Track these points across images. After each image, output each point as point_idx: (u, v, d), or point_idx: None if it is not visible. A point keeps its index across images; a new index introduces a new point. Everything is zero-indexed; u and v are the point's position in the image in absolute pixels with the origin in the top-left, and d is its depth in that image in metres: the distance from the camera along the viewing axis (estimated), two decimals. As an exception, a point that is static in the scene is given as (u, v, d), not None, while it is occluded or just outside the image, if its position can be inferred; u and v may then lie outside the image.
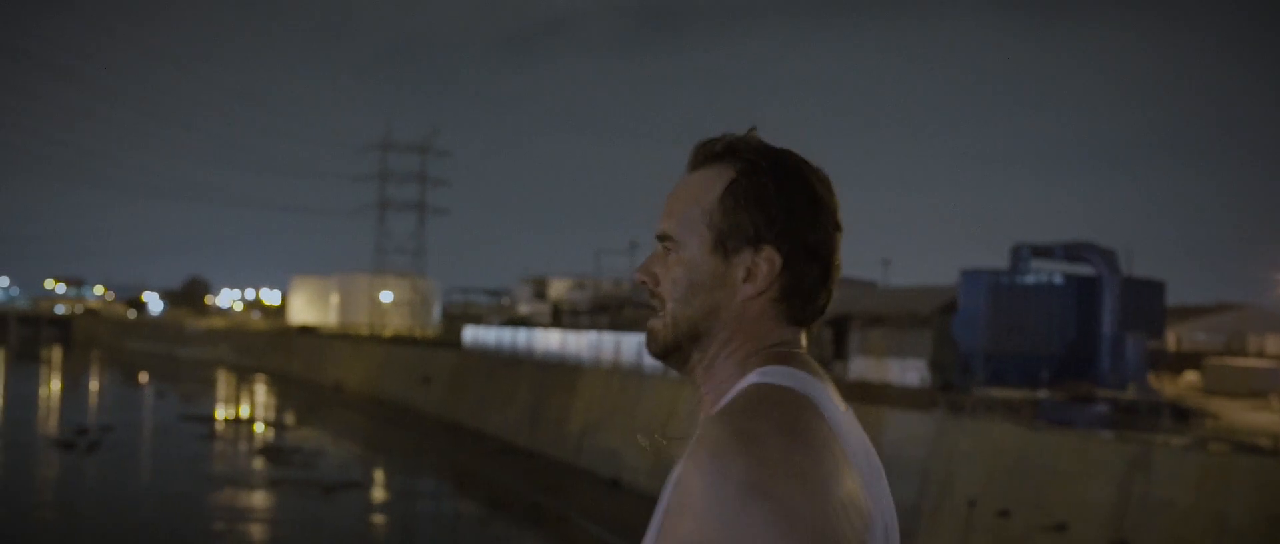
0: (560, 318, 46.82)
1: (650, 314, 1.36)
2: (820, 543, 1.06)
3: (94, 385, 61.31)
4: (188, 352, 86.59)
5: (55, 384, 59.66)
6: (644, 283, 1.35)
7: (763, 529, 1.05)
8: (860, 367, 20.58)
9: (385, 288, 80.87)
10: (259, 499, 25.39)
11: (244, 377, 66.56)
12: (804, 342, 1.33)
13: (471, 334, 46.32)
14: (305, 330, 75.83)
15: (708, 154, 1.35)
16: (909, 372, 19.46)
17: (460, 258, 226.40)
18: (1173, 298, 24.85)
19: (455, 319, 70.81)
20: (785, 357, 1.28)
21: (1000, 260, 22.14)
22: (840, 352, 21.11)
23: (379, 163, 75.40)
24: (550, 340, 37.07)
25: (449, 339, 58.61)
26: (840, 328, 20.97)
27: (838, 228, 1.33)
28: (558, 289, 55.43)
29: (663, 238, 1.34)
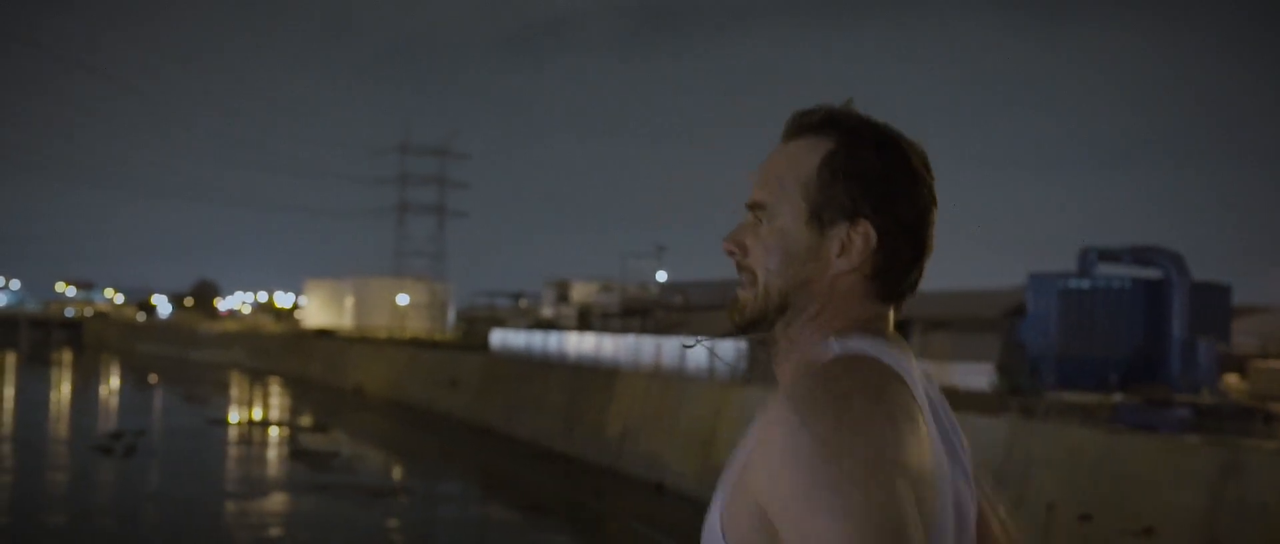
0: (588, 321, 46.68)
1: (737, 286, 1.34)
2: (887, 506, 1.05)
3: (114, 389, 61.19)
4: (201, 355, 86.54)
5: (76, 388, 59.51)
6: (731, 253, 1.33)
7: (836, 487, 1.05)
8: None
9: (401, 291, 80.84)
10: (310, 504, 25.23)
11: (261, 380, 66.43)
12: (891, 319, 1.32)
13: (500, 337, 46.19)
14: (323, 333, 75.72)
15: (805, 124, 1.32)
16: (975, 375, 19.37)
17: (473, 261, 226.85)
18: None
19: (473, 322, 70.76)
20: (874, 331, 1.28)
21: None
22: (901, 355, 20.95)
23: (398, 165, 75.47)
24: (584, 344, 36.92)
25: (467, 342, 58.58)
26: (900, 331, 20.78)
27: (934, 204, 1.31)
28: (581, 292, 55.33)
29: (754, 207, 1.32)
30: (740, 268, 1.32)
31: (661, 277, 67.72)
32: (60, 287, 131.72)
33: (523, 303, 66.50)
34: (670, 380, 29.84)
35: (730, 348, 28.80)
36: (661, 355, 31.28)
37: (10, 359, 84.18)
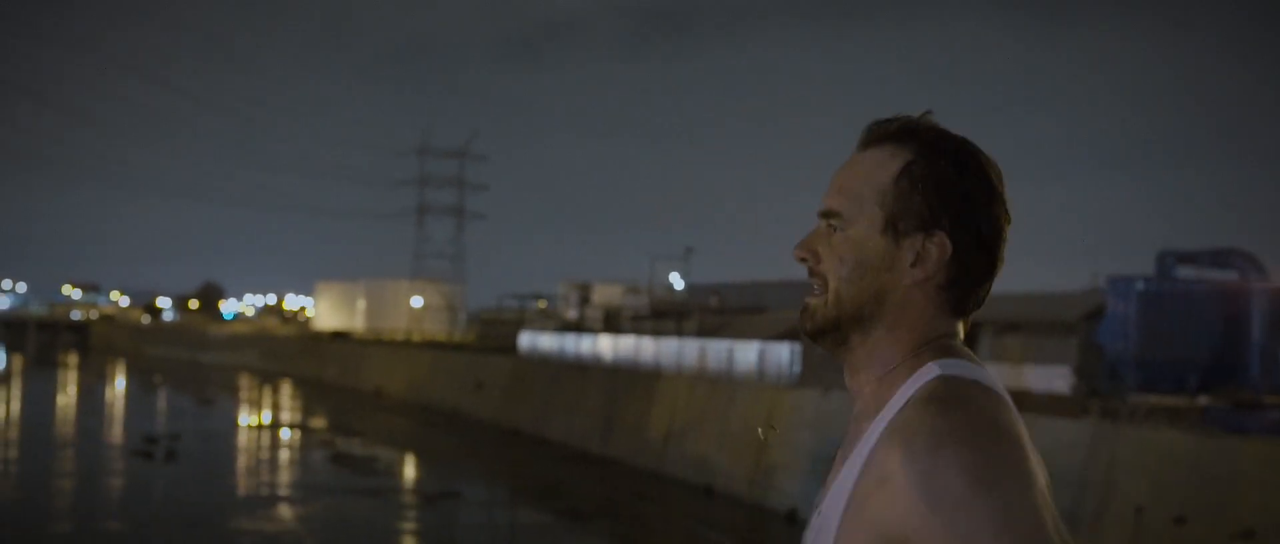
0: (616, 323, 46.56)
1: (808, 292, 1.34)
2: (1038, 536, 1.06)
3: (133, 392, 60.99)
4: (212, 357, 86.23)
5: (96, 392, 59.24)
6: (804, 260, 1.33)
7: (988, 521, 1.06)
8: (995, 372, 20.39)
9: (415, 293, 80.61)
10: (362, 508, 25.08)
11: (276, 383, 66.17)
12: (961, 333, 1.32)
13: (529, 339, 46.05)
14: (338, 336, 75.52)
15: (883, 134, 1.32)
16: (1053, 378, 19.31)
17: (484, 262, 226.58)
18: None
19: (487, 324, 70.57)
20: (955, 350, 1.27)
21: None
22: (971, 357, 20.88)
23: (417, 167, 75.27)
24: (622, 346, 36.77)
25: (483, 344, 58.45)
26: (971, 334, 20.73)
27: (1010, 220, 1.32)
28: (602, 294, 55.22)
29: (829, 215, 1.32)
30: (812, 274, 1.32)
31: (676, 278, 67.67)
32: (66, 289, 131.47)
33: (542, 304, 66.30)
34: (717, 383, 29.72)
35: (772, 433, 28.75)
36: (706, 358, 31.14)
37: (18, 362, 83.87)
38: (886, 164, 1.29)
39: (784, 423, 26.14)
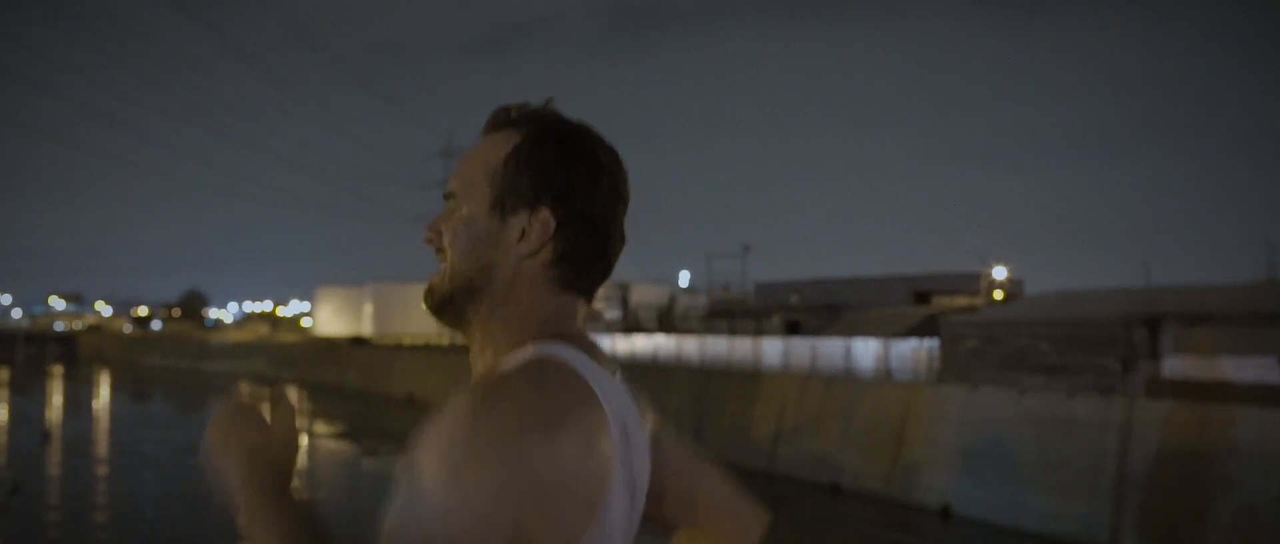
0: (672, 324, 46.25)
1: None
2: (477, 520, 1.09)
3: (153, 403, 59.85)
4: (214, 366, 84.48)
5: (115, 403, 58.03)
6: (430, 241, 1.37)
7: (446, 485, 1.10)
8: (1178, 365, 20.33)
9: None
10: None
11: (298, 392, 65.12)
12: (582, 312, 1.36)
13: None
14: (358, 341, 74.58)
15: (501, 120, 1.38)
16: (1260, 369, 19.23)
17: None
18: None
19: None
20: (566, 332, 1.31)
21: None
22: (1154, 350, 20.82)
23: (441, 170, 74.39)
24: (714, 347, 36.47)
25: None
26: (1153, 327, 20.69)
27: (621, 200, 1.36)
28: (639, 294, 54.92)
29: (448, 196, 1.38)
30: (437, 253, 1.36)
31: (685, 278, 67.59)
32: (54, 300, 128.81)
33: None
34: (834, 382, 29.52)
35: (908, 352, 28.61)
36: (817, 357, 30.96)
37: (6, 373, 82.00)
38: (500, 146, 1.35)
39: (923, 420, 26.01)
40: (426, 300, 1.37)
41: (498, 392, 1.18)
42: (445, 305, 1.35)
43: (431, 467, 1.11)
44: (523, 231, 1.33)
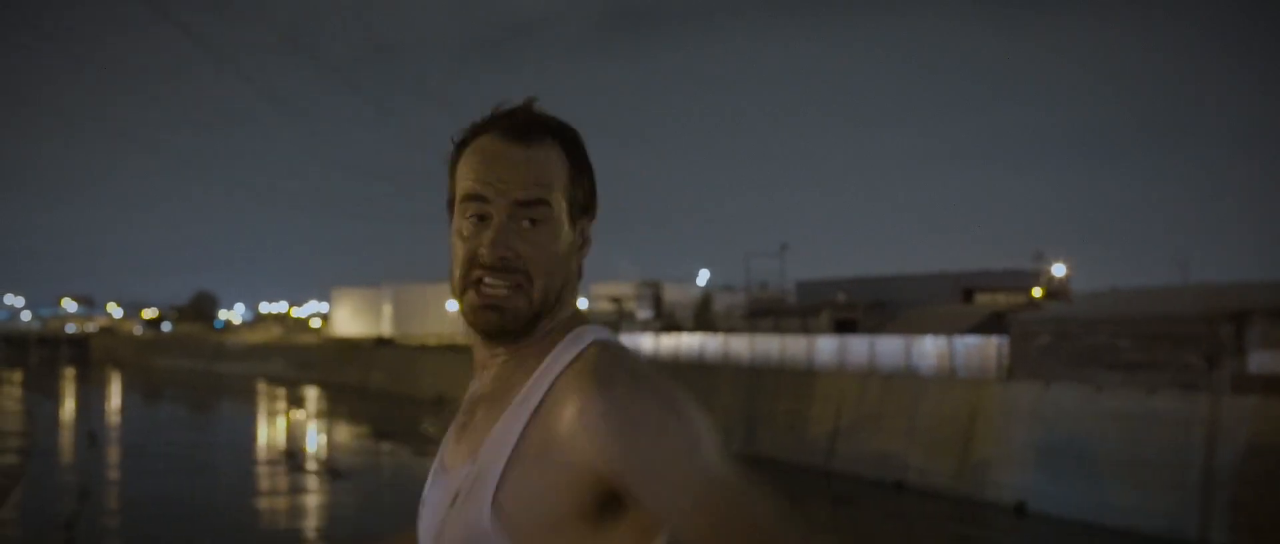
0: (711, 323, 46.31)
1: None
2: (722, 454, 1.23)
3: (178, 406, 59.83)
4: (232, 368, 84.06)
5: (141, 406, 58.01)
6: (504, 257, 1.32)
7: (685, 440, 1.21)
8: (1264, 360, 20.47)
9: (447, 296, 79.75)
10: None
11: (323, 394, 65.08)
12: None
13: (627, 341, 45.68)
14: (382, 342, 74.52)
15: (539, 128, 1.36)
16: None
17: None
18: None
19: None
20: (590, 321, 1.38)
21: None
22: (1240, 346, 20.94)
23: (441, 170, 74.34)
24: (764, 345, 36.49)
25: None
26: (1239, 323, 20.80)
27: None
28: (670, 292, 54.99)
29: (528, 205, 1.33)
30: (509, 271, 1.31)
31: (703, 277, 67.56)
32: (65, 302, 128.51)
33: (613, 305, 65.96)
34: (895, 379, 29.59)
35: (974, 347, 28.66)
36: (876, 355, 31.02)
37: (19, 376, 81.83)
38: (556, 157, 1.35)
39: (993, 417, 26.09)
40: (499, 319, 1.32)
41: (635, 365, 1.27)
42: (529, 323, 1.33)
43: (667, 433, 1.21)
44: (584, 238, 1.40)
